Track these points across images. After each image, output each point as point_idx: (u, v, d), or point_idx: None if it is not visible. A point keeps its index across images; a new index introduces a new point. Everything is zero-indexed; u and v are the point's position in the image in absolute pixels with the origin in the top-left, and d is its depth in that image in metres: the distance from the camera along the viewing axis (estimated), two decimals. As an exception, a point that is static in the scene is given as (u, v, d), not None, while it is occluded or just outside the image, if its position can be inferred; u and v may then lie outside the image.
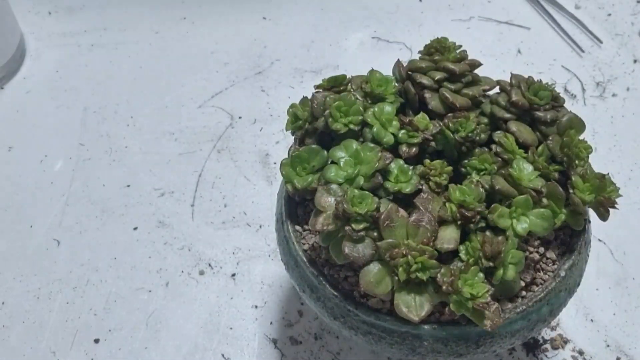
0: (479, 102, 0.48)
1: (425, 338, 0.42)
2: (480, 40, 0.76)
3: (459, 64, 0.47)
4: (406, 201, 0.42)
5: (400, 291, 0.41)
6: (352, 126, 0.45)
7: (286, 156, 0.46)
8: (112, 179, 0.67)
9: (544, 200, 0.42)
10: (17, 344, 0.57)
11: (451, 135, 0.45)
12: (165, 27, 0.79)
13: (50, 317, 0.58)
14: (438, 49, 0.48)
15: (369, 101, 0.46)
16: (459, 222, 0.41)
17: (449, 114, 0.46)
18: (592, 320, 0.57)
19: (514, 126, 0.45)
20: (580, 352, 0.56)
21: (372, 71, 0.47)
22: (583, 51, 0.75)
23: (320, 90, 0.48)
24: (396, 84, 0.47)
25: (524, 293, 0.44)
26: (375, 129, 0.44)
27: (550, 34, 0.77)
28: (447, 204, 0.42)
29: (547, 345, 0.56)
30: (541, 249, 0.45)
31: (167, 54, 0.76)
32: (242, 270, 0.61)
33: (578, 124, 0.46)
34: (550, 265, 0.45)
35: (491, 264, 0.40)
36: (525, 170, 0.43)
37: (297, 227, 0.47)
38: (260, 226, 0.63)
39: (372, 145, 0.44)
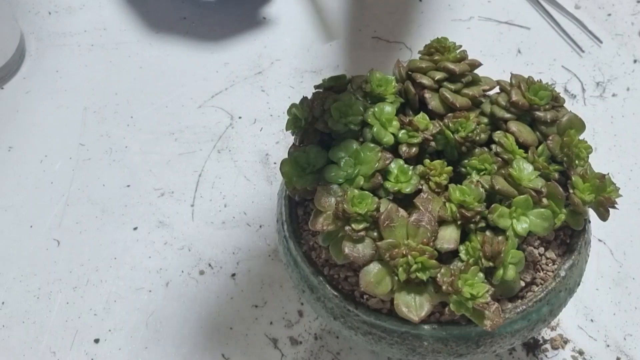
0: (479, 102, 0.48)
1: (425, 338, 0.42)
2: (480, 40, 0.76)
3: (458, 64, 0.47)
4: (406, 201, 0.42)
5: (400, 291, 0.41)
6: (352, 126, 0.45)
7: (286, 156, 0.46)
8: (112, 179, 0.67)
9: (544, 200, 0.42)
10: (17, 344, 0.57)
11: (451, 135, 0.45)
12: (165, 27, 0.79)
13: (50, 317, 0.58)
14: (438, 49, 0.48)
15: (369, 101, 0.46)
16: (459, 222, 0.41)
17: (449, 114, 0.46)
18: (592, 320, 0.57)
19: (514, 126, 0.45)
20: (580, 352, 0.56)
21: (372, 71, 0.47)
22: (583, 51, 0.75)
23: (320, 90, 0.48)
24: (396, 84, 0.47)
25: (524, 293, 0.44)
26: (375, 129, 0.44)
27: (550, 34, 0.77)
28: (447, 204, 0.42)
29: (547, 345, 0.56)
30: (541, 249, 0.45)
31: (167, 54, 0.76)
32: (242, 270, 0.61)
33: (578, 124, 0.46)
34: (550, 265, 0.45)
35: (491, 264, 0.40)
36: (525, 170, 0.43)
37: (297, 227, 0.47)
38: (260, 226, 0.63)
39: (372, 145, 0.44)
